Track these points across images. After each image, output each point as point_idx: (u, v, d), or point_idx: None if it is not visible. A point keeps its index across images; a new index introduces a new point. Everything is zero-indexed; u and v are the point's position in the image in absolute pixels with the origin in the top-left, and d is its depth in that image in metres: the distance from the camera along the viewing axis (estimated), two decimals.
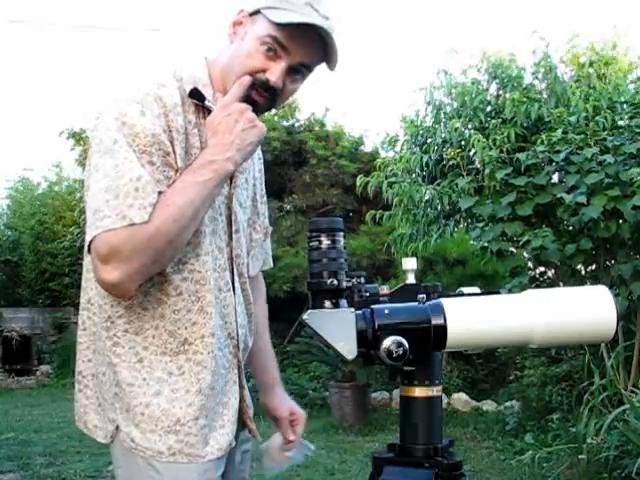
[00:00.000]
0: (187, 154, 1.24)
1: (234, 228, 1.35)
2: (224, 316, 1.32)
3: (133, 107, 1.19)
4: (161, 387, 1.24)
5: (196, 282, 1.26)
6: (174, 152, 1.21)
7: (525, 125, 5.26)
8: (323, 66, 1.32)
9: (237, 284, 1.36)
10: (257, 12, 1.27)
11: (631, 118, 4.49)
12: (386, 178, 5.92)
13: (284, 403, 1.57)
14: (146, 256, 1.14)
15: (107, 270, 1.13)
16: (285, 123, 9.43)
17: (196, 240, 1.25)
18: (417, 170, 5.75)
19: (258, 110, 1.28)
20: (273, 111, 9.05)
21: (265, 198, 1.56)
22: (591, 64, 6.11)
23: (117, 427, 1.26)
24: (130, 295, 1.21)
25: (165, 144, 1.19)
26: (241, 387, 1.36)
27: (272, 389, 1.58)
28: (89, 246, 1.15)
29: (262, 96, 1.27)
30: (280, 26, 1.23)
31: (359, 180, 6.12)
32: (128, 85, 1.25)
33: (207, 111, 1.29)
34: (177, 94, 1.24)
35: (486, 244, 4.42)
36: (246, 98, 1.26)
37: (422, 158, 5.78)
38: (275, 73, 1.25)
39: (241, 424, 1.38)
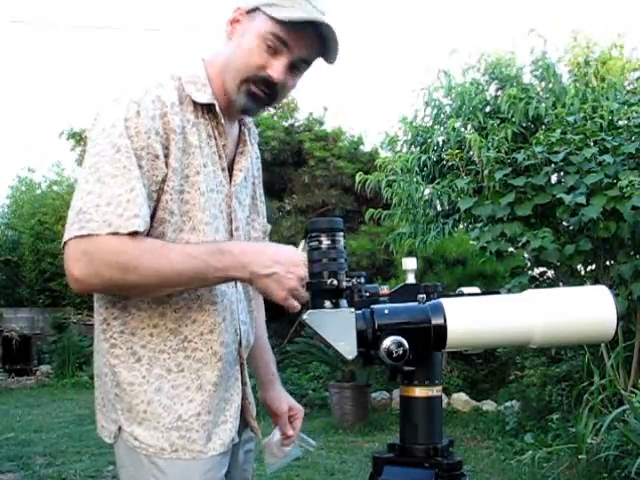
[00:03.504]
0: (185, 153, 1.24)
1: (234, 226, 1.36)
2: (232, 312, 1.33)
3: (130, 108, 1.19)
4: (161, 384, 1.25)
5: None
6: (169, 152, 1.22)
7: (524, 125, 5.25)
8: (322, 63, 1.34)
9: (238, 281, 1.36)
10: (255, 9, 1.28)
11: (629, 119, 4.48)
12: (385, 177, 5.92)
13: (283, 399, 1.58)
14: (115, 268, 1.14)
15: (77, 266, 1.13)
16: (284, 123, 9.42)
17: (196, 238, 1.26)
18: (416, 169, 5.73)
19: (258, 105, 1.31)
20: (272, 110, 9.05)
21: (263, 197, 1.56)
22: (588, 63, 6.08)
23: (119, 428, 1.27)
24: (88, 292, 1.26)
25: (154, 147, 1.19)
26: (243, 384, 1.37)
27: (271, 385, 1.59)
28: (66, 241, 1.15)
29: (263, 92, 1.29)
30: (280, 23, 1.24)
31: (358, 177, 6.11)
32: (126, 85, 1.25)
33: (206, 110, 1.30)
34: (175, 93, 1.25)
35: (485, 244, 4.42)
36: (247, 92, 1.28)
37: (420, 158, 5.77)
38: (277, 69, 1.27)
39: (243, 422, 1.39)
